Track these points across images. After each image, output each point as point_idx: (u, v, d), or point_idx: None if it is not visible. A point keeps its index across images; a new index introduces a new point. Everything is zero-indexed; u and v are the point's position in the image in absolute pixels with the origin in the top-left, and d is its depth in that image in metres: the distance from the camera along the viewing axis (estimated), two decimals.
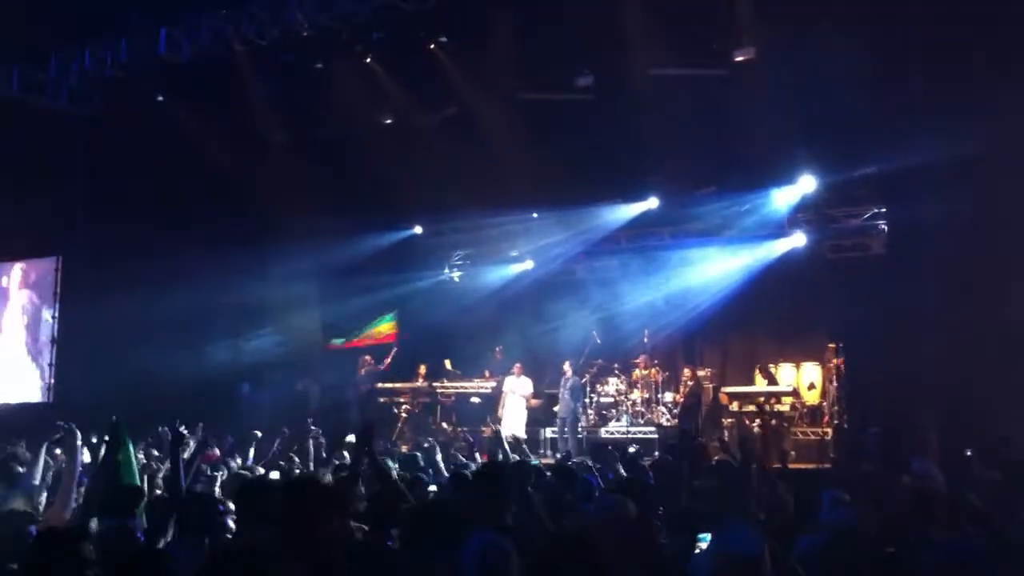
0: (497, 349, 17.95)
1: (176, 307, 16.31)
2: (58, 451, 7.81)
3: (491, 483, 5.56)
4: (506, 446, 9.54)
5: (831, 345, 15.64)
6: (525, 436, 15.54)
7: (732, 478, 7.11)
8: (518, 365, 17.00)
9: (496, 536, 4.21)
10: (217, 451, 11.21)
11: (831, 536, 4.84)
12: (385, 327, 19.78)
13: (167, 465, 7.18)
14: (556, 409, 16.47)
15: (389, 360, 18.00)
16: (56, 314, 18.69)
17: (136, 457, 6.96)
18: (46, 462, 7.01)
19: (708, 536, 4.84)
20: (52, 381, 18.49)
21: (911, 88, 11.19)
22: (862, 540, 4.89)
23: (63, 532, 4.31)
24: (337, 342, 19.97)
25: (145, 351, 15.95)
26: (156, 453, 9.73)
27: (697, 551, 5.03)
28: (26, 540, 4.73)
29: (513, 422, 16.27)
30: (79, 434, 6.71)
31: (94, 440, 8.39)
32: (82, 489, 6.45)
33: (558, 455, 15.11)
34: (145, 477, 7.06)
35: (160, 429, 9.81)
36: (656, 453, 13.64)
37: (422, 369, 18.07)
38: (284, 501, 4.35)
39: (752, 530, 4.28)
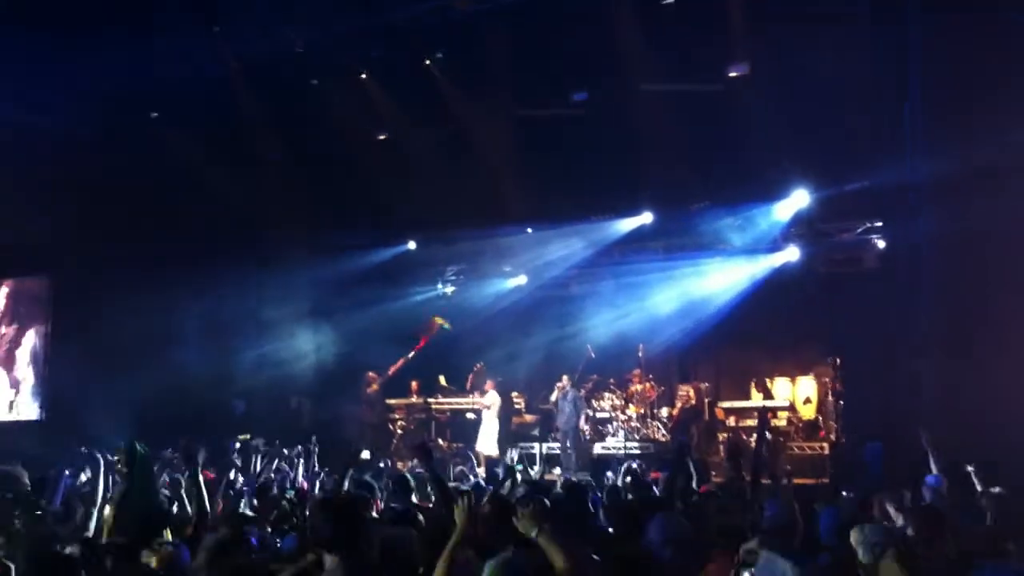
0: (477, 366, 17.89)
1: (169, 324, 16.25)
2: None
3: None
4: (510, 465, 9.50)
5: (827, 360, 15.67)
6: (497, 452, 15.65)
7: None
8: (490, 382, 17.01)
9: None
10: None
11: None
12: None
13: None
14: (559, 424, 16.40)
15: (398, 366, 17.85)
16: (47, 332, 18.56)
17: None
18: (65, 485, 7.04)
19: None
20: (42, 399, 18.35)
21: (907, 104, 11.25)
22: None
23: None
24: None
25: (137, 369, 15.84)
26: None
27: None
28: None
29: (486, 439, 16.32)
30: (102, 460, 6.74)
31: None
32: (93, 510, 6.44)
33: (556, 470, 15.10)
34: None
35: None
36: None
37: (414, 385, 18.03)
38: None
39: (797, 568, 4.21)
